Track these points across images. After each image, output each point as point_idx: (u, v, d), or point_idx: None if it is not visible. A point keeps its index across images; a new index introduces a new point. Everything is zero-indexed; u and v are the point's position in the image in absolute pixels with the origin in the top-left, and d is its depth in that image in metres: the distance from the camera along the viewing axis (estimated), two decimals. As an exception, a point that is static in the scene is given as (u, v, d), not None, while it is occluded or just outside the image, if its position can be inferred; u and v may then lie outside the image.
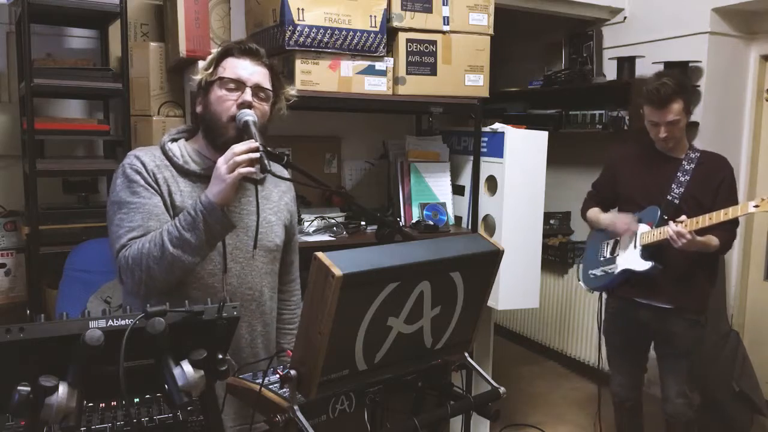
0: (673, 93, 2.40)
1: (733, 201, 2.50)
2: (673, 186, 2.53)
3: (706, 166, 2.53)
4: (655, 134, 2.51)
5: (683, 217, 2.37)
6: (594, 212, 2.82)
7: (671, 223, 2.39)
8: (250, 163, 1.47)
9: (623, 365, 2.81)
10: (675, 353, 2.62)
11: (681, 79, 2.51)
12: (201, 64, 1.68)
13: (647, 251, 2.54)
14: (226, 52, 1.62)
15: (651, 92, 2.42)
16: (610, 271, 2.69)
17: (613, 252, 2.72)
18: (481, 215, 2.84)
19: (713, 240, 2.43)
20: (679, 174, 2.53)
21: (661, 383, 2.71)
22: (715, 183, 2.51)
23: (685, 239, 2.33)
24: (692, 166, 2.53)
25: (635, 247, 2.58)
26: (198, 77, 1.62)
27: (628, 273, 2.60)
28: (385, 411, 1.34)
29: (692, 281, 2.56)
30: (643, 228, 2.56)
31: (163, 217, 1.55)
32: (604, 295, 2.87)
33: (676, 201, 2.51)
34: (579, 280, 2.92)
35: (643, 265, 2.53)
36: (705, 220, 2.34)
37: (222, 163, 1.48)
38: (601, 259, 2.75)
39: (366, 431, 1.30)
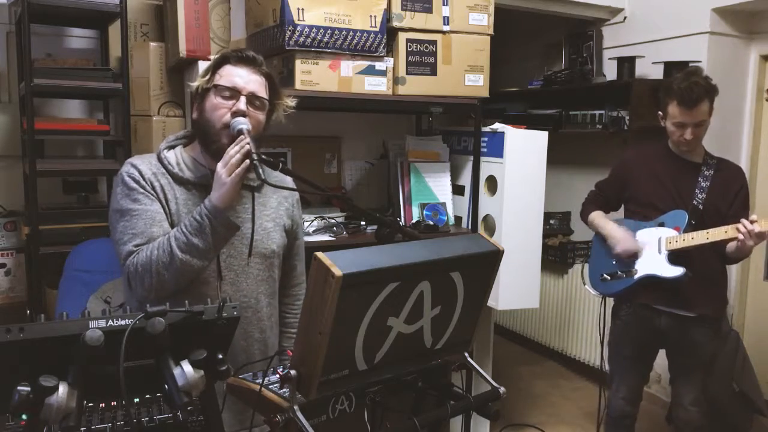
0: (705, 93, 2.34)
1: (746, 211, 2.47)
2: (697, 191, 2.46)
3: (725, 173, 2.50)
4: (679, 136, 2.41)
5: (755, 216, 2.27)
6: (598, 217, 2.69)
7: (746, 222, 2.25)
8: (243, 158, 1.50)
9: (630, 377, 2.66)
10: (694, 363, 2.54)
11: (708, 79, 2.42)
12: (201, 66, 1.68)
13: (673, 256, 2.44)
14: (223, 60, 1.62)
15: (683, 91, 2.32)
16: (626, 275, 2.54)
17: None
18: (481, 215, 2.84)
19: None
20: (700, 179, 2.47)
21: (672, 390, 2.63)
22: (733, 192, 2.48)
23: (762, 239, 2.25)
24: (711, 172, 2.48)
25: (659, 251, 2.46)
26: (195, 84, 1.63)
27: (650, 278, 2.47)
28: (385, 411, 1.34)
29: (713, 288, 2.51)
30: (668, 232, 2.45)
31: (164, 224, 1.57)
32: (608, 300, 2.72)
33: (701, 207, 2.44)
34: (584, 284, 2.74)
35: (673, 271, 2.41)
36: None
37: (221, 168, 1.51)
38: (614, 262, 2.59)
39: (366, 431, 1.30)
